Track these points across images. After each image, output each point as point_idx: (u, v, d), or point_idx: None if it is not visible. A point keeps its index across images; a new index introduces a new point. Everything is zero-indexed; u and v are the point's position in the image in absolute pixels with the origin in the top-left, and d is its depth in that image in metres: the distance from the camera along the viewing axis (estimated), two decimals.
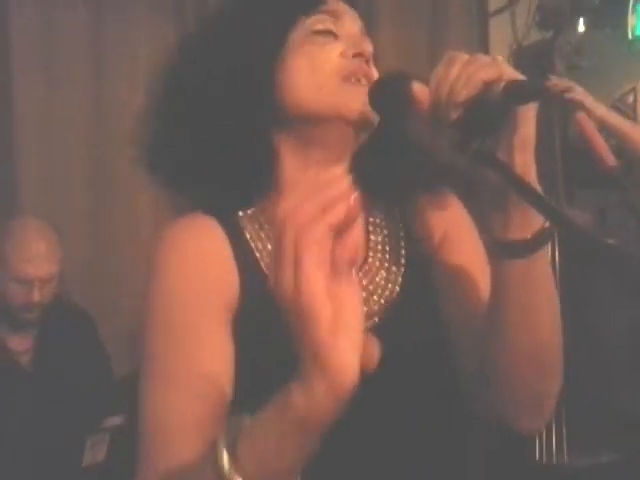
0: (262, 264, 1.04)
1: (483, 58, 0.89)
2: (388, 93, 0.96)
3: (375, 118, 1.02)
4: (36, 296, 2.36)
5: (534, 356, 0.98)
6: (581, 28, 3.31)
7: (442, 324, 1.08)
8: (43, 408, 2.28)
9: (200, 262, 1.01)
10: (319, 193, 0.70)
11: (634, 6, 3.10)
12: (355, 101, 1.02)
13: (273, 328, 0.84)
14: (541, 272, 0.96)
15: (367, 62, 1.05)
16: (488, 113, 0.89)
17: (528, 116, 0.88)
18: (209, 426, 0.91)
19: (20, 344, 2.41)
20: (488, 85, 0.87)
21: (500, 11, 3.14)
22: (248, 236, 1.06)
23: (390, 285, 1.08)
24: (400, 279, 1.09)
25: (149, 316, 1.00)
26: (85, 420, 2.26)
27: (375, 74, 1.05)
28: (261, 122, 1.05)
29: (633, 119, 2.90)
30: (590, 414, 2.03)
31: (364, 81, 1.04)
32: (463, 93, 0.87)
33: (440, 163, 1.08)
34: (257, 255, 1.05)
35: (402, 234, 1.13)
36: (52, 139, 2.59)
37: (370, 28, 1.14)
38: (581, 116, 0.73)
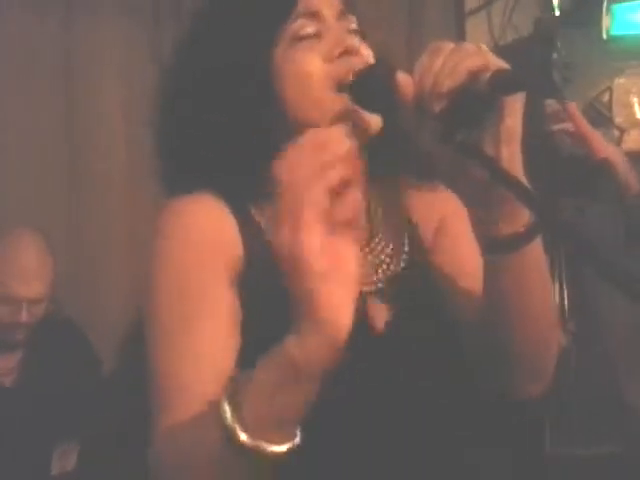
0: (267, 235, 1.02)
1: (468, 47, 0.86)
2: (371, 84, 0.93)
3: (378, 126, 1.00)
4: (23, 317, 2.19)
5: (531, 332, 0.99)
6: (556, 27, 3.31)
7: (444, 300, 1.08)
8: (25, 426, 2.15)
9: (203, 226, 1.01)
10: (319, 151, 0.71)
11: (608, 6, 3.10)
12: (356, 119, 0.98)
13: (276, 295, 0.85)
14: (534, 261, 0.96)
15: (356, 54, 1.01)
16: (473, 104, 0.86)
17: (515, 107, 0.86)
18: (224, 373, 0.89)
19: (4, 364, 2.24)
20: (473, 75, 0.84)
21: (476, 11, 3.13)
22: (253, 211, 1.04)
23: (394, 263, 1.07)
24: (403, 263, 1.08)
25: (156, 281, 0.99)
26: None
27: (367, 60, 1.01)
28: (269, 128, 1.03)
29: (609, 118, 2.89)
30: (594, 404, 2.03)
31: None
32: (447, 83, 0.84)
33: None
34: (262, 226, 1.03)
35: (404, 226, 1.12)
36: (25, 149, 2.53)
37: None
38: (570, 107, 0.70)
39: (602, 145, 0.65)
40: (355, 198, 0.72)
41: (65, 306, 2.42)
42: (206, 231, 1.00)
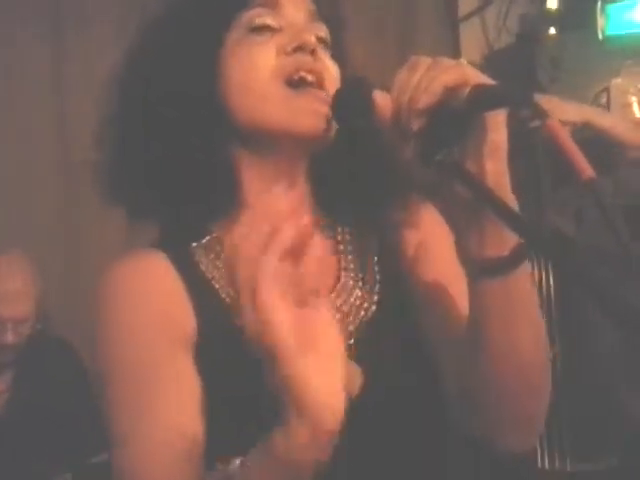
0: (222, 294, 0.95)
1: (446, 62, 0.80)
2: (348, 102, 0.87)
3: (330, 127, 0.93)
4: (9, 338, 2.17)
5: (518, 375, 0.89)
6: (552, 31, 3.25)
7: (423, 342, 0.99)
8: (17, 455, 2.10)
9: (148, 298, 0.92)
10: (263, 224, 0.65)
11: (602, 7, 3.04)
12: (303, 113, 0.92)
13: (239, 357, 0.79)
14: (522, 289, 0.87)
15: (312, 52, 0.94)
16: (452, 121, 0.80)
17: (497, 121, 0.79)
18: (192, 448, 0.84)
19: None
20: (451, 91, 0.78)
21: (470, 16, 3.07)
22: (203, 268, 0.96)
23: (366, 304, 0.98)
24: (376, 297, 0.99)
25: (105, 356, 0.92)
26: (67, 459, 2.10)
27: (326, 68, 0.95)
28: (214, 137, 0.95)
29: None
30: (591, 420, 1.96)
31: (310, 77, 0.93)
32: (423, 99, 0.78)
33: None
34: (215, 285, 0.95)
35: (375, 248, 1.03)
36: (14, 163, 2.47)
37: None
38: (551, 123, 0.64)
39: (586, 165, 0.59)
40: (314, 262, 0.66)
41: (61, 325, 2.37)
42: (148, 303, 0.92)
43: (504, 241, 0.83)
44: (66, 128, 2.42)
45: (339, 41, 1.04)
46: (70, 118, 2.42)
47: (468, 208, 0.83)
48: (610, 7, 3.00)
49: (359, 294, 0.98)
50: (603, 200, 0.60)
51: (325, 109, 0.92)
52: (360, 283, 1.00)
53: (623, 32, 2.96)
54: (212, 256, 0.97)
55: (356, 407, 0.67)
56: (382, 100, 0.82)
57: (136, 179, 0.96)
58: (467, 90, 0.77)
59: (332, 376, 0.64)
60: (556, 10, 3.11)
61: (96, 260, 2.60)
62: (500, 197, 0.78)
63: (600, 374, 1.89)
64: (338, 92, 0.89)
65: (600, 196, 0.60)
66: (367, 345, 0.95)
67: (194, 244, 0.97)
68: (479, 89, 0.76)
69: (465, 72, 0.78)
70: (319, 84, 0.94)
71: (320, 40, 0.98)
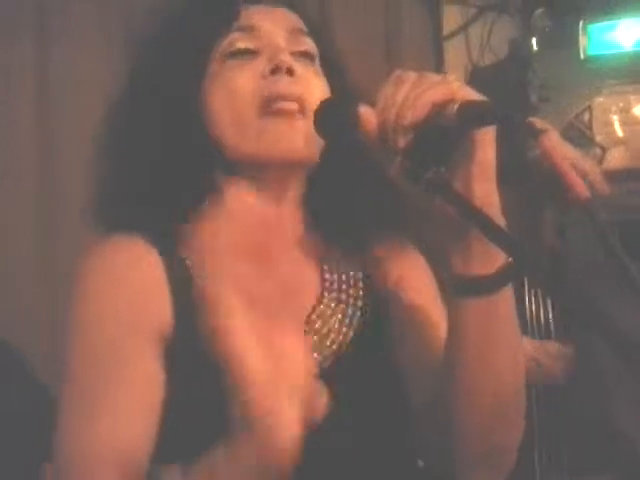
0: (197, 284, 0.90)
1: (433, 77, 0.77)
2: (331, 118, 0.83)
3: (311, 152, 0.91)
4: None
5: (493, 404, 0.86)
6: (534, 48, 3.25)
7: (397, 374, 0.95)
8: None
9: (126, 285, 0.88)
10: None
11: (584, 27, 3.04)
12: (278, 139, 0.90)
13: (205, 357, 0.76)
14: (504, 311, 0.84)
15: (289, 72, 0.91)
16: (440, 138, 0.77)
17: (486, 140, 0.77)
18: (130, 463, 0.80)
19: None
20: (439, 107, 0.75)
21: (454, 34, 3.06)
22: (183, 254, 0.92)
23: (345, 329, 0.95)
24: (356, 323, 0.96)
25: (69, 345, 0.88)
26: None
27: (306, 88, 0.92)
28: (200, 165, 0.93)
29: (590, 137, 2.82)
30: (588, 435, 1.92)
31: (288, 106, 0.91)
32: (409, 116, 0.74)
33: (396, 199, 0.97)
34: (191, 272, 0.91)
35: (361, 275, 1.00)
36: None
37: None
38: (545, 140, 0.61)
39: (580, 184, 0.56)
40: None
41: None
42: (126, 291, 0.88)
43: (491, 260, 0.81)
44: (49, 139, 2.37)
45: (328, 50, 1.01)
46: (53, 124, 2.37)
47: (455, 226, 0.80)
48: (592, 27, 3.01)
49: (339, 317, 0.95)
50: (599, 219, 0.58)
51: (300, 135, 0.91)
52: (342, 306, 0.96)
53: (604, 52, 2.97)
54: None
55: (319, 429, 0.63)
56: (367, 115, 0.79)
57: (120, 199, 0.94)
58: (455, 106, 0.74)
59: (291, 401, 0.61)
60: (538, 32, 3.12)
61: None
62: (488, 216, 0.75)
63: (595, 390, 1.86)
64: (322, 106, 0.86)
65: (596, 216, 0.57)
66: (342, 369, 0.91)
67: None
68: (468, 105, 0.73)
69: (453, 88, 0.75)
70: (300, 108, 0.92)
71: (303, 54, 0.96)
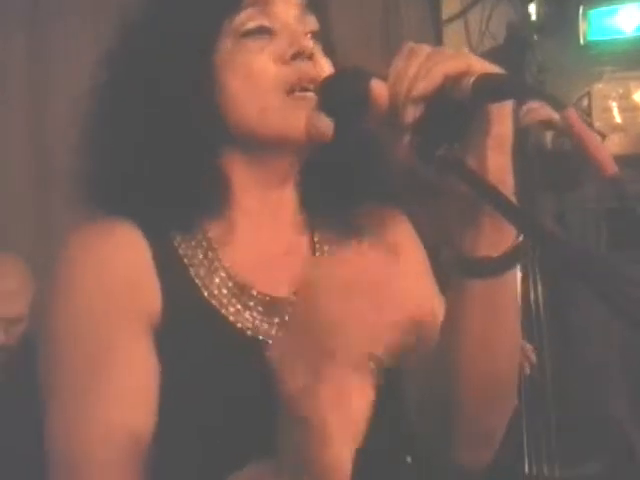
0: (191, 271, 0.88)
1: (447, 50, 0.74)
2: (341, 92, 0.80)
3: (327, 131, 0.88)
4: (1, 338, 2.11)
5: (490, 388, 0.85)
6: (532, 35, 3.22)
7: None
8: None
9: (112, 269, 0.85)
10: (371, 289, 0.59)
11: (584, 12, 3.01)
12: (301, 120, 0.87)
13: (205, 342, 0.79)
14: (507, 295, 0.83)
15: (310, 57, 0.89)
16: (452, 113, 0.74)
17: (503, 113, 0.74)
18: (126, 458, 0.78)
19: None
20: (453, 80, 0.72)
21: (453, 19, 3.03)
22: (176, 244, 0.89)
23: None
24: None
25: (56, 331, 0.84)
26: None
27: (322, 70, 0.89)
28: (206, 141, 0.90)
29: (589, 123, 2.80)
30: (577, 425, 1.91)
31: (311, 86, 0.88)
32: (420, 86, 0.72)
33: (394, 173, 0.94)
34: (185, 261, 0.89)
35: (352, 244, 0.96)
36: None
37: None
38: (570, 115, 0.58)
39: (609, 159, 0.54)
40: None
41: None
42: (111, 276, 0.85)
43: (500, 242, 0.79)
44: (43, 126, 2.33)
45: (327, 28, 0.98)
46: (47, 117, 2.33)
47: (466, 205, 0.78)
48: (591, 13, 2.97)
49: None
50: (626, 197, 0.55)
51: (323, 115, 0.88)
52: None
53: (604, 38, 2.94)
54: (188, 236, 0.90)
55: None
56: (379, 89, 0.75)
57: (123, 176, 0.90)
58: (471, 80, 0.71)
59: (347, 452, 0.59)
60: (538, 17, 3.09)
61: None
62: (502, 193, 0.72)
63: (586, 379, 1.85)
64: (332, 80, 0.82)
65: (623, 192, 0.54)
66: None
67: (174, 230, 0.91)
68: (486, 78, 0.70)
69: (469, 61, 0.72)
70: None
71: (313, 35, 0.93)
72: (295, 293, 0.83)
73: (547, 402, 1.89)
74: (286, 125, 0.88)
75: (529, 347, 1.89)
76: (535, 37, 3.05)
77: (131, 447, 0.79)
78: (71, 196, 0.93)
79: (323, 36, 0.95)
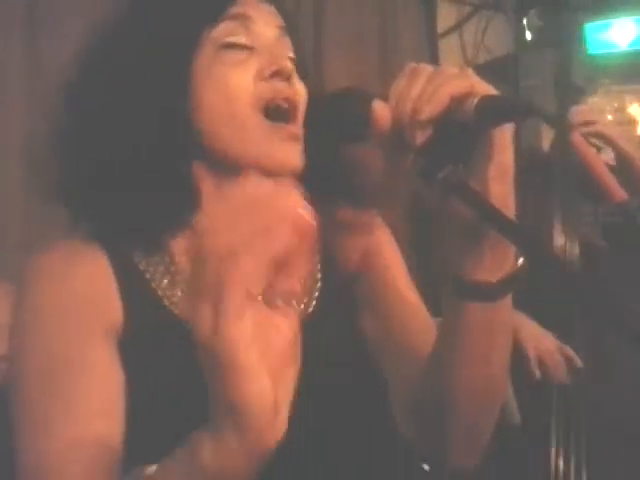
0: (152, 284, 0.89)
1: (450, 70, 0.73)
2: (343, 113, 0.79)
3: (300, 163, 0.88)
4: None
5: (483, 392, 0.86)
6: (527, 48, 3.23)
7: (364, 345, 0.95)
8: None
9: (72, 282, 0.85)
10: (261, 209, 0.54)
11: (579, 26, 3.01)
12: (276, 151, 0.86)
13: (167, 353, 0.79)
14: (503, 317, 0.82)
15: (288, 78, 0.88)
16: (458, 134, 0.72)
17: (504, 141, 0.73)
18: (98, 467, 0.77)
19: None
20: (457, 101, 0.71)
21: (448, 32, 3.03)
22: (136, 260, 0.89)
23: (306, 299, 0.94)
24: (317, 293, 0.95)
25: (22, 350, 0.84)
26: None
27: (297, 90, 0.89)
28: (176, 153, 0.88)
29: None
30: (608, 437, 1.85)
31: (285, 105, 0.88)
32: (427, 110, 0.70)
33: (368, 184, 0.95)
34: (147, 276, 0.89)
35: (321, 246, 0.96)
36: None
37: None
38: (577, 140, 0.57)
39: (615, 185, 0.53)
40: (301, 273, 0.56)
41: None
42: (73, 291, 0.85)
43: (499, 266, 0.78)
44: (40, 127, 2.32)
45: (301, 51, 0.98)
46: (45, 117, 2.32)
47: (469, 228, 0.77)
48: (587, 26, 2.98)
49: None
50: (634, 220, 0.54)
51: (298, 145, 0.88)
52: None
53: (600, 51, 2.94)
54: (149, 254, 0.90)
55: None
56: (381, 111, 0.74)
57: (88, 180, 0.89)
58: (474, 101, 0.70)
59: (283, 391, 0.57)
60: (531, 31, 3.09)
61: None
62: (506, 215, 0.71)
63: (617, 391, 1.79)
64: (333, 99, 0.81)
65: (632, 216, 0.53)
66: (303, 341, 0.88)
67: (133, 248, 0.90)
68: (490, 100, 0.69)
69: (472, 81, 0.71)
70: (293, 113, 0.89)
71: (290, 59, 0.92)
72: None
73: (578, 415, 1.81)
74: (260, 153, 0.87)
75: (568, 350, 1.79)
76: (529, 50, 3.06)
77: (101, 456, 0.78)
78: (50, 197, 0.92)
79: (297, 60, 0.95)
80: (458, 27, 3.02)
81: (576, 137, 0.54)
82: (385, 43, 2.93)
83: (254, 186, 0.56)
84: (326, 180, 0.95)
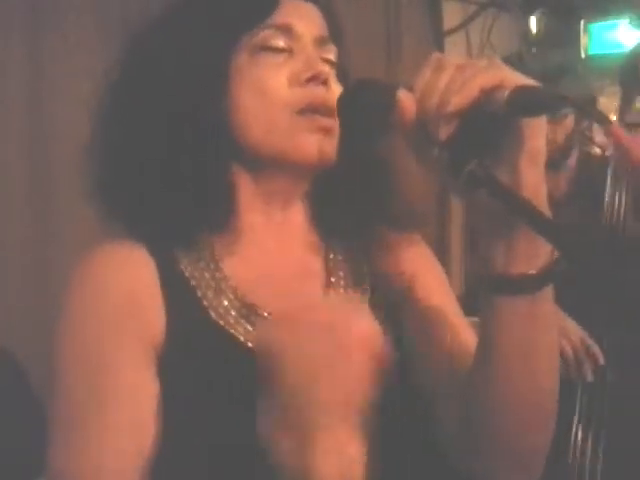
0: (198, 293, 0.87)
1: (480, 61, 0.70)
2: (366, 102, 0.76)
3: (332, 155, 0.88)
4: None
5: (533, 406, 0.81)
6: (533, 48, 3.21)
7: (411, 366, 0.91)
8: None
9: (119, 294, 0.84)
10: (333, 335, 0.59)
11: (585, 25, 3.00)
12: (307, 143, 0.86)
13: (211, 362, 0.78)
14: (547, 311, 0.78)
15: (324, 83, 0.88)
16: (485, 127, 0.70)
17: (538, 126, 0.70)
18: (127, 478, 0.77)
19: None
20: (487, 93, 0.68)
21: (455, 30, 3.01)
22: (182, 266, 0.88)
23: None
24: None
25: (60, 356, 0.84)
26: None
27: (334, 95, 0.87)
28: (214, 155, 0.88)
29: (589, 137, 2.77)
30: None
31: (322, 110, 0.87)
32: (455, 101, 0.68)
33: (407, 197, 0.94)
34: (192, 283, 0.87)
35: (366, 270, 0.95)
36: None
37: None
38: (614, 129, 0.55)
39: None
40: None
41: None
42: (118, 300, 0.84)
43: (534, 258, 0.74)
44: (41, 128, 2.29)
45: (344, 59, 0.97)
46: (46, 118, 2.29)
47: (499, 221, 0.74)
48: (593, 26, 2.96)
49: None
50: None
51: (332, 136, 0.88)
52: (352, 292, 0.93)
53: (605, 51, 2.92)
54: (194, 256, 0.89)
55: None
56: (407, 101, 0.72)
57: (133, 187, 0.88)
58: (506, 93, 0.67)
59: None
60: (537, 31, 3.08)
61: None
62: (537, 209, 0.69)
63: None
64: (357, 87, 0.79)
65: None
66: None
67: (180, 249, 0.89)
68: (523, 91, 0.66)
69: (503, 73, 0.69)
70: (334, 120, 0.88)
71: (329, 63, 0.92)
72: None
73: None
74: (291, 146, 0.87)
75: (594, 346, 1.72)
76: (534, 50, 3.05)
77: (140, 472, 0.77)
78: (75, 201, 0.91)
79: (340, 65, 0.94)
80: (464, 26, 3.00)
81: (615, 127, 0.52)
82: (390, 42, 2.91)
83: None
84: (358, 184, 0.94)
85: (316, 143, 0.87)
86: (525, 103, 0.66)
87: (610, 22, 2.95)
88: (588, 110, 0.61)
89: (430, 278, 0.96)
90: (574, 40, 3.02)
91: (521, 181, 0.71)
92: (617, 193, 1.97)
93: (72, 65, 2.25)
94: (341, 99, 0.84)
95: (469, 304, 0.95)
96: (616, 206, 1.94)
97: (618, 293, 0.59)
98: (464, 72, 0.69)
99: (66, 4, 2.30)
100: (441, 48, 2.97)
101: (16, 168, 2.27)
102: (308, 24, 0.91)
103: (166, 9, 0.92)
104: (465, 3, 3.05)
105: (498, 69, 0.69)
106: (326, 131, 0.87)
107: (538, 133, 0.70)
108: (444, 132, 0.70)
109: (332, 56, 0.93)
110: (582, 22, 2.98)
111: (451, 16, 3.01)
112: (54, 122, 2.26)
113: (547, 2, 3.09)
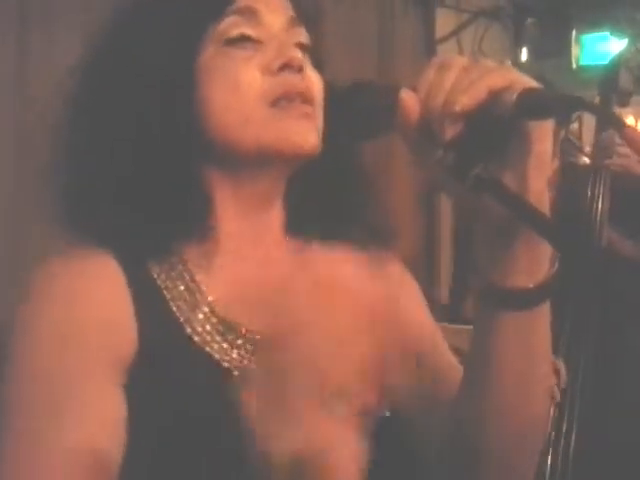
0: (172, 305, 0.80)
1: (488, 62, 0.68)
2: (367, 101, 0.74)
3: (313, 144, 0.82)
4: None
5: (525, 432, 0.79)
6: (524, 57, 3.22)
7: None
8: None
9: (82, 306, 0.77)
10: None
11: (577, 37, 3.00)
12: (285, 131, 0.81)
13: (184, 381, 0.75)
14: (541, 328, 0.76)
15: (299, 70, 0.82)
16: (491, 129, 0.68)
17: (545, 131, 0.68)
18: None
19: None
20: (495, 95, 0.66)
21: (446, 39, 3.01)
22: (155, 274, 0.81)
23: None
24: None
25: (18, 368, 0.76)
26: None
27: (310, 83, 0.83)
28: (188, 159, 0.82)
29: (579, 146, 2.77)
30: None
31: (298, 99, 0.82)
32: (462, 101, 0.65)
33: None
34: (166, 296, 0.81)
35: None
36: None
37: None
38: (630, 132, 0.53)
39: None
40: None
41: None
42: (85, 313, 0.77)
43: (534, 271, 0.72)
44: (29, 127, 2.26)
45: (318, 41, 0.92)
46: (35, 117, 2.26)
47: (501, 229, 0.71)
48: (584, 37, 2.97)
49: None
50: None
51: (313, 122, 0.82)
52: None
53: (597, 62, 2.93)
54: (166, 265, 0.82)
55: None
56: (410, 100, 0.69)
57: (99, 195, 0.82)
58: (514, 95, 0.65)
59: None
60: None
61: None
62: (546, 215, 0.67)
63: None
64: (359, 87, 0.76)
65: None
66: None
67: (151, 259, 0.82)
68: (532, 94, 0.64)
69: (511, 75, 0.67)
70: (312, 107, 0.83)
71: (302, 47, 0.86)
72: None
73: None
74: (271, 137, 0.81)
75: (558, 362, 1.69)
76: (525, 57, 3.05)
77: (95, 470, 0.71)
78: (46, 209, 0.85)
79: (313, 49, 0.89)
80: (456, 34, 3.00)
81: (632, 131, 0.51)
82: (384, 49, 2.91)
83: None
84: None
85: (297, 129, 0.81)
86: (534, 105, 0.64)
87: (602, 34, 2.96)
88: (604, 113, 0.59)
89: (408, 298, 0.92)
90: (565, 51, 3.02)
91: (528, 186, 0.68)
92: (596, 202, 1.98)
93: (60, 59, 2.22)
94: (335, 100, 0.80)
95: (456, 312, 0.93)
96: (595, 215, 1.95)
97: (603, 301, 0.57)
98: (471, 72, 0.67)
99: (56, 4, 2.29)
100: (433, 56, 2.96)
101: (6, 170, 2.24)
102: (274, 8, 0.86)
103: (129, 3, 0.87)
104: (458, 11, 3.05)
105: (506, 71, 0.67)
106: (306, 117, 0.82)
107: (545, 137, 0.68)
108: (449, 132, 0.67)
109: (303, 38, 0.87)
110: (574, 33, 2.98)
111: (443, 24, 3.01)
112: (41, 123, 2.23)
113: (539, 12, 3.09)
